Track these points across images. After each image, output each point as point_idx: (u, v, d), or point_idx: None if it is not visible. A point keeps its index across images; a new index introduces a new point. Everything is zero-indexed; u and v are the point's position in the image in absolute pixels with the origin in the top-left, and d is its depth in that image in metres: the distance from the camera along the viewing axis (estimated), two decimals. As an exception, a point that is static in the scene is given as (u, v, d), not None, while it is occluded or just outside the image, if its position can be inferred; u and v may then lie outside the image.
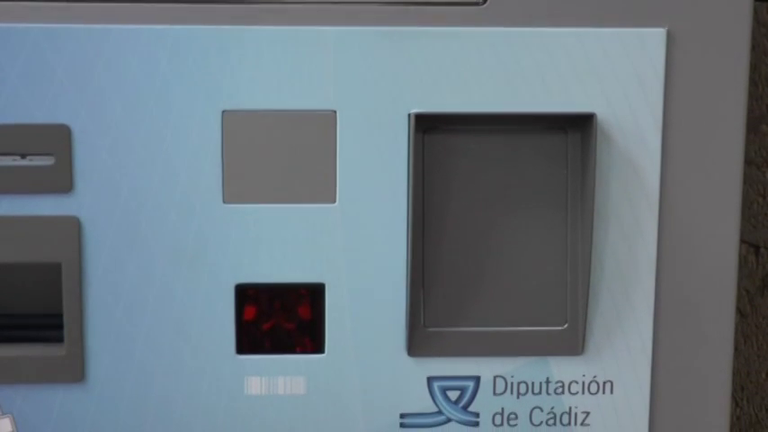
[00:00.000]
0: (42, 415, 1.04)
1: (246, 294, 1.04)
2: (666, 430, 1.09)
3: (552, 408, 1.08)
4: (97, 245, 1.02)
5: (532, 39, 1.02)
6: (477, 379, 1.07)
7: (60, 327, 1.03)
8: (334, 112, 1.02)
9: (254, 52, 1.00)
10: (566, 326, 1.06)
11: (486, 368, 1.07)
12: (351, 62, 1.01)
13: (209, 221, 1.02)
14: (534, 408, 1.08)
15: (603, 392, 1.08)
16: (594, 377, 1.08)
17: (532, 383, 1.07)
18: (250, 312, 1.05)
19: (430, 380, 1.07)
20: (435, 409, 1.07)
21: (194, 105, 1.01)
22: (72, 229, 1.01)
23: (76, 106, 1.00)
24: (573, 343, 1.06)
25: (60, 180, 1.01)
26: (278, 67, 1.01)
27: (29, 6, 0.99)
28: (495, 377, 1.07)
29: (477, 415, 1.08)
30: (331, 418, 1.06)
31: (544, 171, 1.04)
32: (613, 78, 1.02)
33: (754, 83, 1.43)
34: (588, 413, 1.08)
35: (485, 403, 1.07)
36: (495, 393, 1.07)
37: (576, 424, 1.08)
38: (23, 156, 1.00)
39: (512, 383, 1.07)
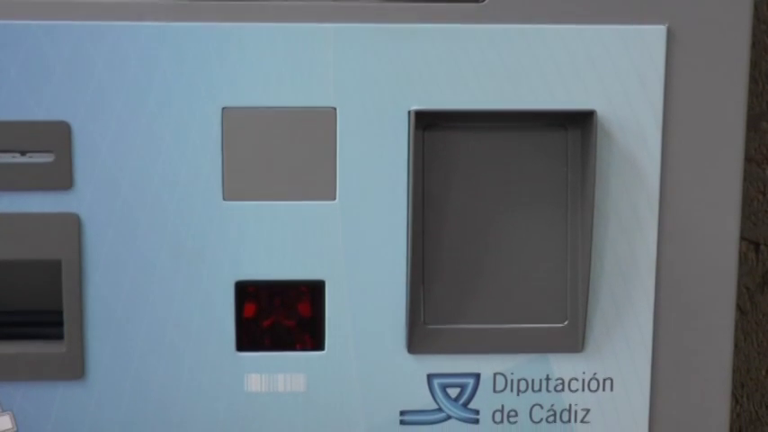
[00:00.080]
0: (42, 412, 1.04)
1: (246, 291, 1.04)
2: (666, 427, 1.09)
3: (552, 405, 1.08)
4: (97, 242, 1.02)
5: (532, 36, 1.02)
6: (477, 376, 1.07)
7: (60, 324, 1.03)
8: (334, 109, 1.02)
9: (254, 49, 1.00)
10: (566, 323, 1.06)
11: (486, 365, 1.07)
12: (351, 59, 1.01)
13: (209, 218, 1.02)
14: (534, 405, 1.08)
15: (603, 390, 1.08)
16: (594, 374, 1.08)
17: (532, 381, 1.07)
18: (250, 309, 1.05)
19: (430, 377, 1.07)
20: (435, 407, 1.07)
21: (194, 102, 1.01)
22: (72, 226, 1.01)
23: (76, 103, 1.00)
24: (573, 340, 1.06)
25: (60, 177, 1.01)
26: (278, 64, 1.01)
27: (29, 3, 0.99)
28: (495, 374, 1.07)
29: (477, 412, 1.08)
30: (331, 415, 1.06)
31: (544, 168, 1.04)
32: (614, 75, 1.02)
33: (754, 80, 1.43)
34: (588, 410, 1.08)
35: (485, 400, 1.07)
36: (495, 390, 1.07)
37: (575, 421, 1.08)
38: (23, 153, 1.00)
39: (512, 381, 1.07)
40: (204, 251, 1.03)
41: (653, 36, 1.02)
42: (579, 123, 1.04)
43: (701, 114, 1.04)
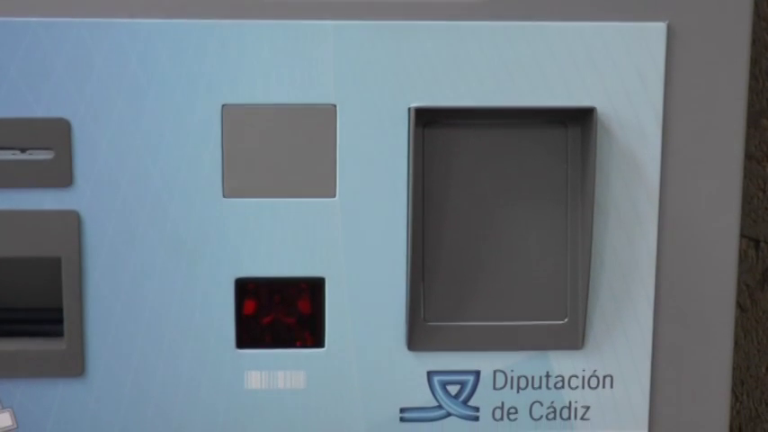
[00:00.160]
0: (42, 409, 1.04)
1: (246, 288, 1.04)
2: (666, 424, 1.09)
3: (552, 402, 1.08)
4: (97, 239, 1.02)
5: (533, 33, 1.02)
6: (477, 373, 1.07)
7: (60, 321, 1.03)
8: (334, 106, 1.02)
9: (253, 46, 1.00)
10: (566, 320, 1.06)
11: (486, 362, 1.07)
12: (351, 56, 1.01)
13: (209, 216, 1.02)
14: (534, 402, 1.08)
15: (603, 387, 1.08)
16: (594, 371, 1.08)
17: (532, 378, 1.07)
18: (250, 306, 1.05)
19: (430, 374, 1.07)
20: (435, 404, 1.07)
21: (194, 99, 1.01)
22: (72, 223, 1.01)
23: (76, 100, 1.00)
24: (573, 337, 1.06)
25: (60, 174, 1.01)
26: (278, 61, 1.01)
27: (28, 0, 0.99)
28: (495, 371, 1.07)
29: (477, 409, 1.08)
30: (331, 412, 1.06)
31: (544, 165, 1.04)
32: (614, 72, 1.02)
33: (754, 77, 1.43)
34: (588, 407, 1.08)
35: (485, 397, 1.07)
36: (495, 388, 1.07)
37: (575, 418, 1.08)
38: (23, 150, 1.00)
39: (512, 378, 1.07)
40: (204, 248, 1.03)
41: (653, 33, 1.02)
42: (579, 120, 1.04)
43: (701, 111, 1.04)
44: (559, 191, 1.05)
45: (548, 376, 1.08)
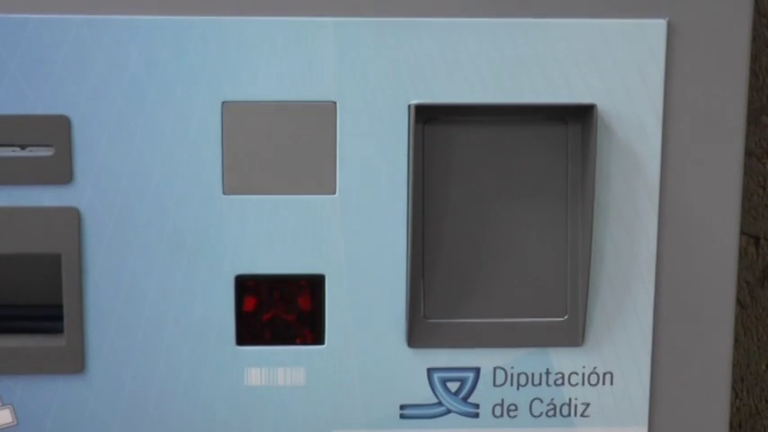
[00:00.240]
0: (42, 406, 1.04)
1: (246, 285, 1.04)
2: (666, 421, 1.10)
3: (552, 399, 1.08)
4: (97, 236, 1.02)
5: (533, 29, 1.01)
6: (477, 370, 1.07)
7: (60, 318, 1.03)
8: (335, 103, 1.02)
9: (253, 43, 1.00)
10: (566, 317, 1.06)
11: (486, 359, 1.07)
12: (351, 53, 1.01)
13: (209, 213, 1.02)
14: (534, 399, 1.08)
15: (603, 384, 1.08)
16: (594, 368, 1.08)
17: (532, 375, 1.07)
18: (250, 303, 1.05)
19: (430, 371, 1.07)
20: (435, 401, 1.07)
21: (194, 96, 1.01)
22: (72, 220, 1.01)
23: (76, 97, 1.00)
24: (573, 334, 1.06)
25: (60, 171, 1.01)
26: (278, 57, 1.01)
27: (28, -3, 0.99)
28: (495, 368, 1.07)
29: (477, 406, 1.08)
30: (331, 409, 1.06)
31: (544, 162, 1.04)
32: (614, 69, 1.02)
33: (754, 74, 1.43)
34: (588, 404, 1.08)
35: (485, 394, 1.07)
36: (495, 384, 1.07)
37: (575, 415, 1.08)
38: (23, 147, 1.00)
39: (512, 375, 1.07)
40: (204, 245, 1.03)
41: (653, 30, 1.02)
42: (579, 117, 1.04)
43: (701, 108, 1.04)
44: (560, 188, 1.05)
45: (548, 373, 1.08)
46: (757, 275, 1.50)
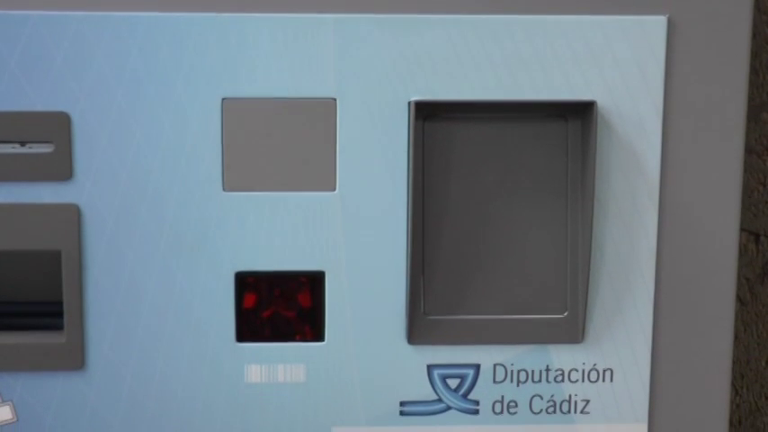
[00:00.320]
0: (42, 402, 1.05)
1: (246, 282, 1.04)
2: (666, 418, 1.10)
3: (552, 396, 1.08)
4: (97, 232, 1.02)
5: (533, 26, 1.01)
6: (477, 367, 1.07)
7: (60, 314, 1.03)
8: (335, 99, 1.02)
9: (254, 39, 1.00)
10: (566, 314, 1.06)
11: (486, 356, 1.07)
12: (351, 50, 1.01)
13: (209, 209, 1.02)
14: (534, 396, 1.08)
15: (603, 380, 1.08)
16: (594, 365, 1.08)
17: (532, 371, 1.07)
18: (250, 300, 1.05)
19: (430, 368, 1.07)
20: (435, 397, 1.07)
21: (194, 93, 1.01)
22: (72, 216, 1.01)
23: (76, 94, 1.00)
24: (573, 331, 1.06)
25: (60, 168, 1.01)
26: (278, 54, 1.01)
27: (28, -7, 0.99)
28: (494, 365, 1.07)
29: (477, 403, 1.08)
30: (331, 405, 1.06)
31: (544, 159, 1.04)
32: (614, 66, 1.02)
33: (754, 71, 1.43)
34: (588, 401, 1.08)
35: (485, 391, 1.08)
36: (495, 381, 1.07)
37: (575, 412, 1.08)
38: (23, 143, 1.00)
39: (512, 371, 1.07)
40: (204, 242, 1.03)
41: (653, 27, 1.02)
42: (579, 114, 1.03)
43: (701, 105, 1.04)
44: (560, 184, 1.05)
45: (548, 370, 1.08)
46: (757, 272, 1.50)
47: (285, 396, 1.06)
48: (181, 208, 1.02)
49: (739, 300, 1.48)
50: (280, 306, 1.06)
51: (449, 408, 1.08)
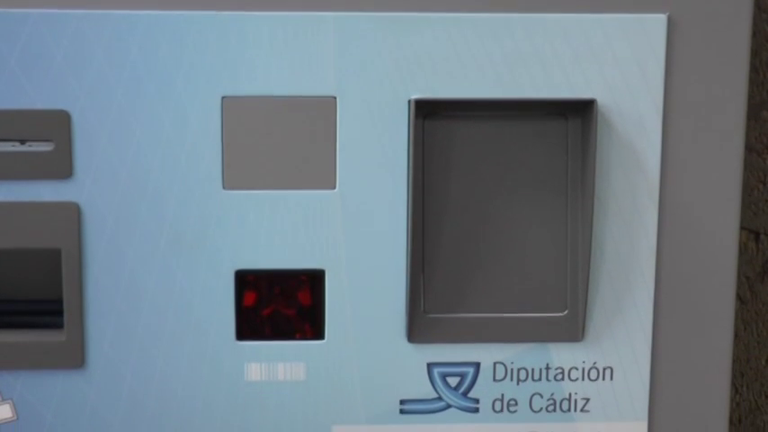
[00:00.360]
0: (42, 401, 1.05)
1: (246, 280, 1.04)
2: (666, 416, 1.10)
3: (552, 394, 1.08)
4: (97, 231, 1.02)
5: (533, 25, 1.01)
6: (477, 365, 1.07)
7: (60, 313, 1.03)
8: (335, 97, 1.02)
9: (254, 38, 1.00)
10: (566, 312, 1.06)
11: (486, 354, 1.07)
12: (351, 48, 1.01)
13: (209, 207, 1.02)
14: (534, 394, 1.08)
15: (603, 379, 1.08)
16: (594, 363, 1.08)
17: (532, 370, 1.07)
18: (250, 298, 1.05)
19: (430, 366, 1.07)
20: (435, 396, 1.07)
21: (194, 91, 1.01)
22: (72, 215, 1.01)
23: (76, 92, 1.00)
24: (573, 329, 1.06)
25: (60, 166, 1.01)
26: (278, 52, 1.00)
27: (28, -8, 0.99)
28: (495, 363, 1.07)
29: (476, 401, 1.08)
30: (331, 404, 1.06)
31: (544, 157, 1.04)
32: (614, 64, 1.02)
33: (754, 69, 1.43)
34: (588, 399, 1.08)
35: (485, 389, 1.08)
36: (495, 380, 1.07)
37: (575, 410, 1.08)
38: (23, 141, 1.00)
39: (512, 370, 1.07)
40: (204, 240, 1.03)
41: (653, 25, 1.02)
42: (579, 112, 1.03)
43: (701, 103, 1.04)
44: (559, 183, 1.05)
45: (548, 368, 1.08)
46: (757, 271, 1.50)
47: (285, 394, 1.06)
48: (181, 206, 1.02)
49: (739, 298, 1.48)
50: (280, 304, 1.06)
51: (449, 406, 1.08)
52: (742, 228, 1.32)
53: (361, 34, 1.01)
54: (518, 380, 1.08)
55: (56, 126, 1.00)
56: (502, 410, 1.08)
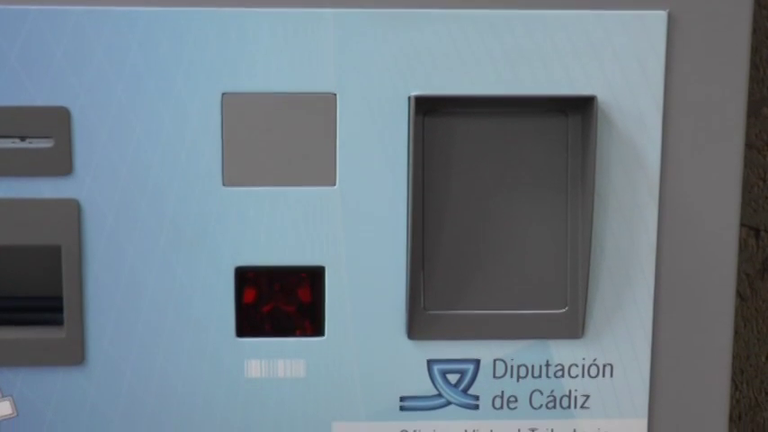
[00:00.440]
0: (42, 397, 1.05)
1: (246, 277, 1.04)
2: (666, 413, 1.10)
3: (552, 391, 1.08)
4: (97, 227, 1.02)
5: (533, 21, 1.01)
6: (476, 362, 1.07)
7: (60, 309, 1.03)
8: (335, 94, 1.02)
9: (254, 34, 1.00)
10: (566, 309, 1.06)
11: (486, 351, 1.07)
12: (351, 44, 1.01)
13: (209, 204, 1.02)
14: (534, 391, 1.08)
15: (603, 375, 1.08)
16: (594, 360, 1.08)
17: (532, 366, 1.07)
18: (250, 295, 1.05)
19: (430, 363, 1.07)
20: (435, 392, 1.07)
21: (194, 88, 1.00)
22: (72, 211, 1.01)
23: (76, 89, 1.00)
24: (573, 326, 1.06)
25: (60, 162, 1.01)
26: (278, 49, 1.00)
27: (28, -12, 0.99)
28: (494, 360, 1.07)
29: (476, 398, 1.08)
30: (331, 401, 1.06)
31: (544, 154, 1.04)
32: (614, 61, 1.02)
33: (755, 66, 1.43)
34: (588, 396, 1.08)
35: (485, 386, 1.08)
36: (494, 376, 1.07)
37: (575, 407, 1.08)
38: (23, 138, 1.00)
39: (512, 366, 1.07)
40: (204, 237, 1.03)
41: (654, 21, 1.02)
42: (580, 109, 1.03)
43: (701, 100, 1.04)
44: (560, 179, 1.05)
45: (548, 365, 1.08)
46: (757, 268, 1.50)
47: (285, 391, 1.06)
48: (181, 203, 1.02)
49: (739, 295, 1.48)
50: (280, 301, 1.05)
51: (449, 403, 1.08)
52: (742, 225, 1.32)
53: (361, 31, 1.01)
54: (518, 377, 1.08)
55: (56, 123, 1.00)
56: (502, 407, 1.08)
